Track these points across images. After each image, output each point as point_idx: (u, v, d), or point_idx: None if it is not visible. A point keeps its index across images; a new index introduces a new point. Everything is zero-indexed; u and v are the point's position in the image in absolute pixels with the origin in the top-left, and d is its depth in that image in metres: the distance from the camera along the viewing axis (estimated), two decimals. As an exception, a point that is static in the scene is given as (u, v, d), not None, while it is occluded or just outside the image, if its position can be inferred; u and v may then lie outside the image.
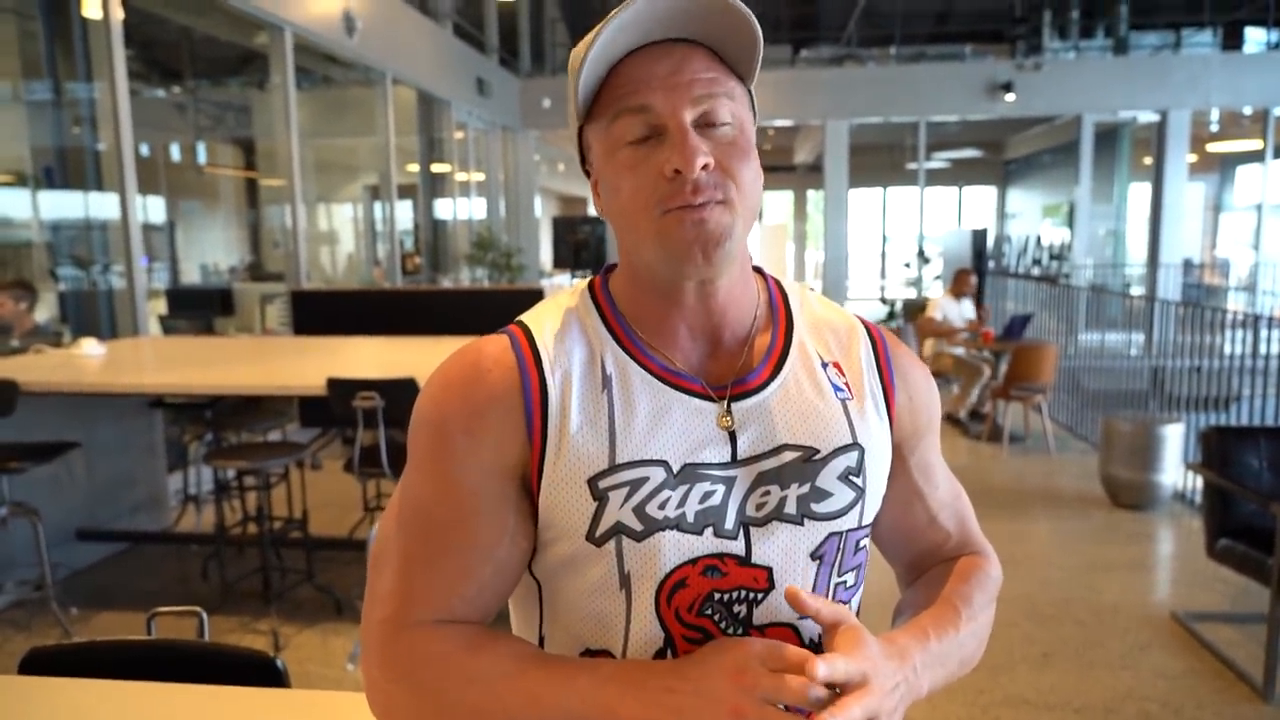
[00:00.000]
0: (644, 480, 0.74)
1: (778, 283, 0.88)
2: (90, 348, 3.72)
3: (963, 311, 6.74)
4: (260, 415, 4.27)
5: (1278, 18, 12.27)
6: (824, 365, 0.82)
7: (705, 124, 0.73)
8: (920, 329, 6.65)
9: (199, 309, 7.21)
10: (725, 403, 0.78)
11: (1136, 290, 12.10)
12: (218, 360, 3.80)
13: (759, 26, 0.73)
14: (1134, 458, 4.64)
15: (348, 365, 3.49)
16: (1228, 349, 5.23)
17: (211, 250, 10.63)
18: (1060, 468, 5.59)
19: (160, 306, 7.21)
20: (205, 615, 1.12)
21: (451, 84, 9.08)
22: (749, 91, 0.79)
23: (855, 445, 0.79)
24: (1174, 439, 4.62)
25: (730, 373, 0.80)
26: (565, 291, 0.86)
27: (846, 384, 0.82)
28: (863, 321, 0.88)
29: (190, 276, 9.94)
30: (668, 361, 0.79)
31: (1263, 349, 4.79)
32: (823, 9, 13.76)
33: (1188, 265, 12.53)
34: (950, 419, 6.64)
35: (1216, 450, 3.16)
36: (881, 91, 11.58)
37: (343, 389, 2.94)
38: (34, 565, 3.34)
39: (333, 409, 2.99)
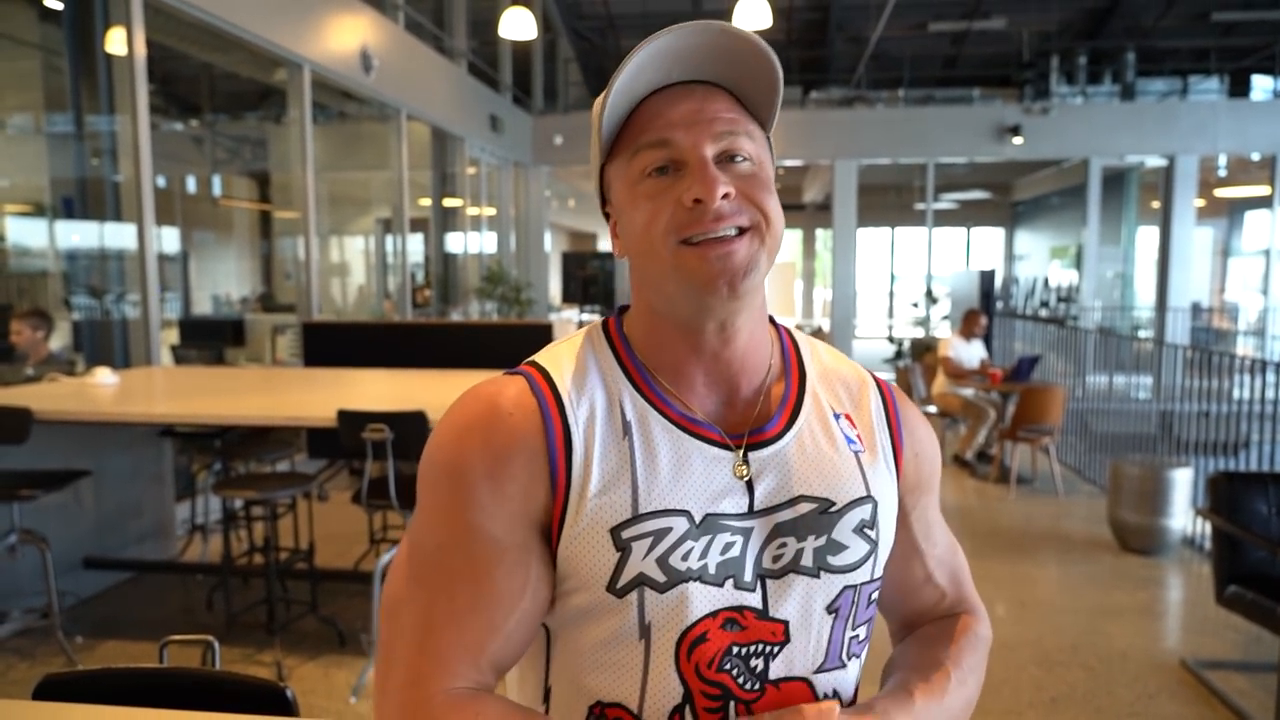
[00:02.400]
0: (667, 531, 0.73)
1: (789, 332, 0.88)
2: (104, 377, 3.76)
3: (973, 352, 6.75)
4: (269, 445, 4.29)
5: (1284, 66, 12.41)
6: (836, 416, 0.82)
7: (725, 159, 0.73)
8: (943, 368, 6.65)
9: (211, 339, 7.28)
10: (742, 452, 0.77)
11: (1144, 333, 12.10)
12: (228, 390, 3.83)
13: (780, 68, 0.74)
14: (1142, 502, 4.61)
15: (357, 397, 3.52)
16: (1237, 394, 5.21)
17: (224, 281, 10.75)
18: (1068, 510, 5.56)
19: (172, 336, 7.28)
20: (216, 644, 1.13)
21: (465, 120, 9.23)
22: (767, 137, 0.79)
23: (869, 498, 0.79)
24: (1183, 483, 4.60)
25: (746, 421, 0.79)
26: (578, 333, 0.84)
27: (859, 436, 0.82)
28: (872, 375, 0.88)
29: (202, 307, 10.04)
30: (685, 408, 0.78)
31: (1271, 394, 4.78)
32: (833, 51, 13.95)
33: (1196, 309, 12.53)
34: (958, 460, 6.62)
35: (1225, 496, 3.15)
36: (890, 133, 11.71)
37: (352, 421, 2.96)
38: (41, 593, 3.34)
39: (342, 441, 3.01)
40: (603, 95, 0.74)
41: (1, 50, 6.18)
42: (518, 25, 6.45)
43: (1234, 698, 2.99)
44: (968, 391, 6.56)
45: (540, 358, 0.82)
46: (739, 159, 0.74)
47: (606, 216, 0.82)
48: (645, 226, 0.74)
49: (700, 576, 0.74)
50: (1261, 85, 13.12)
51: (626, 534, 0.73)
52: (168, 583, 4.11)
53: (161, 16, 4.93)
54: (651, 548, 0.73)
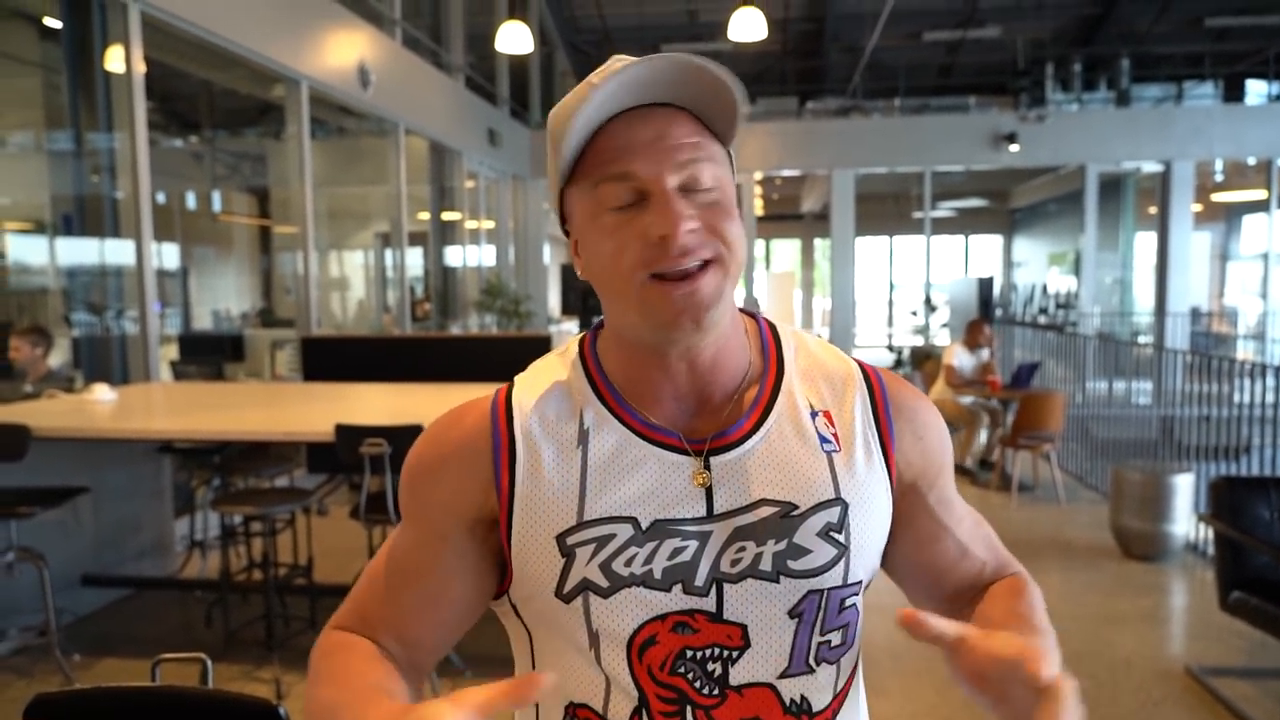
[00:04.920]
0: (611, 537, 0.74)
1: (771, 326, 0.86)
2: (102, 393, 3.76)
3: (978, 360, 6.74)
4: (268, 461, 4.28)
5: (1278, 70, 12.44)
6: (813, 415, 0.80)
7: (688, 189, 0.73)
8: (943, 376, 6.64)
9: (210, 354, 7.28)
10: (703, 457, 0.77)
11: (1144, 339, 12.09)
12: (227, 405, 3.83)
13: (738, 91, 0.73)
14: (1145, 508, 4.60)
15: (356, 411, 3.51)
16: (1238, 398, 5.20)
17: (224, 296, 10.78)
18: (1070, 517, 5.54)
19: (172, 352, 7.29)
20: (209, 662, 1.12)
21: (463, 134, 9.25)
22: (728, 152, 0.79)
23: (838, 500, 0.77)
24: (1184, 489, 4.59)
25: (714, 426, 0.79)
26: (561, 348, 0.87)
27: (835, 435, 0.80)
28: (862, 366, 0.85)
29: (203, 322, 10.06)
30: (646, 417, 0.79)
31: (1271, 398, 4.77)
32: (829, 62, 14.01)
33: (1195, 314, 12.53)
34: (958, 468, 6.61)
35: (1227, 501, 3.14)
36: (887, 142, 11.74)
37: (351, 435, 2.96)
38: (38, 611, 3.33)
39: (340, 455, 3.00)
40: (561, 117, 0.74)
41: (3, 69, 6.21)
42: (514, 39, 6.48)
43: (1240, 705, 2.97)
44: (966, 399, 6.55)
45: (520, 374, 0.85)
46: (702, 188, 0.73)
47: (566, 234, 0.82)
48: (611, 260, 0.73)
49: (644, 581, 0.74)
50: (1256, 90, 13.16)
51: (571, 540, 0.75)
52: (166, 599, 4.09)
53: (160, 34, 4.95)
54: (595, 554, 0.75)
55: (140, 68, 4.63)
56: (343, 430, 2.95)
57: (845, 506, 0.77)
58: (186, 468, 4.70)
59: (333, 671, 0.77)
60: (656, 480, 0.76)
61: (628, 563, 0.74)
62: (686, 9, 12.88)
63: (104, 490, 3.95)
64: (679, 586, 0.75)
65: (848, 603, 0.79)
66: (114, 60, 4.67)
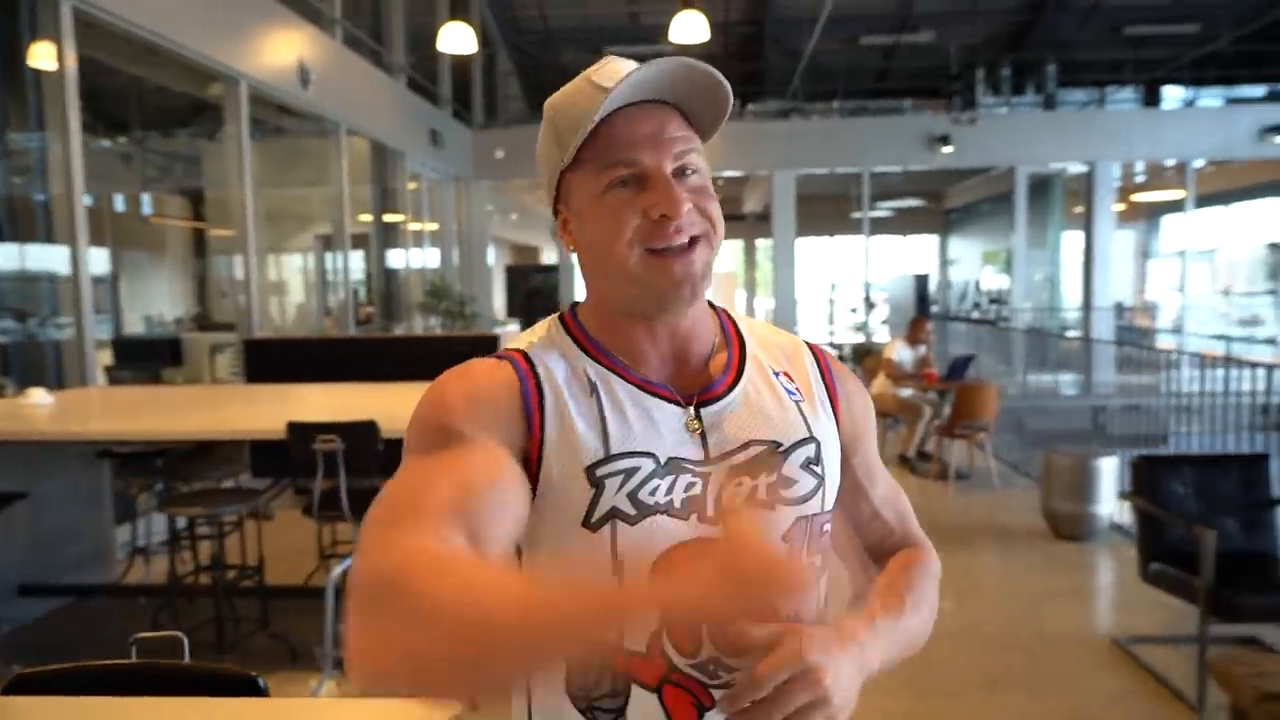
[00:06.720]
0: (636, 469, 0.82)
1: (726, 312, 0.99)
2: (38, 397, 3.67)
3: (916, 357, 6.96)
4: (211, 463, 4.23)
5: (1193, 78, 13.05)
6: (776, 374, 0.93)
7: (679, 175, 0.84)
8: (883, 370, 6.85)
9: (146, 360, 7.11)
10: (693, 409, 0.87)
11: (1072, 333, 12.56)
12: (169, 408, 3.78)
13: (731, 98, 0.85)
14: (1073, 491, 4.82)
15: (303, 411, 3.49)
16: (1163, 388, 5.47)
17: (157, 301, 10.47)
18: (1004, 503, 5.76)
19: (106, 358, 7.08)
20: (185, 639, 1.15)
21: (405, 135, 9.19)
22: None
23: (812, 438, 0.90)
24: (1109, 472, 4.82)
25: (695, 386, 0.89)
26: (536, 326, 0.94)
27: (797, 388, 0.93)
28: (805, 342, 0.99)
29: (134, 328, 9.77)
30: (640, 373, 0.88)
31: (1187, 388, 5.04)
32: (769, 65, 14.24)
33: (1119, 308, 13.05)
34: (902, 459, 6.81)
35: (1145, 478, 3.34)
36: (826, 143, 11.99)
37: (303, 432, 2.96)
38: (-24, 620, 3.24)
39: (292, 453, 3.00)
40: (576, 102, 0.83)
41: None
42: (456, 39, 6.47)
43: (1159, 669, 3.16)
44: (906, 392, 6.76)
45: (508, 343, 0.91)
46: (690, 172, 0.84)
47: (556, 213, 0.91)
48: (612, 235, 0.82)
49: (667, 510, 0.83)
50: (1172, 95, 13.77)
51: (600, 472, 0.82)
52: (110, 607, 4.01)
53: (92, 30, 4.84)
54: (623, 484, 0.82)
55: (73, 65, 4.52)
56: (295, 427, 2.95)
57: (818, 444, 0.90)
58: (125, 474, 4.60)
59: (487, 584, 0.61)
60: (662, 425, 0.85)
61: (652, 492, 0.82)
62: (628, 11, 12.97)
63: (41, 498, 3.84)
64: (695, 516, 0.83)
65: (825, 528, 0.91)
66: (42, 57, 4.55)
